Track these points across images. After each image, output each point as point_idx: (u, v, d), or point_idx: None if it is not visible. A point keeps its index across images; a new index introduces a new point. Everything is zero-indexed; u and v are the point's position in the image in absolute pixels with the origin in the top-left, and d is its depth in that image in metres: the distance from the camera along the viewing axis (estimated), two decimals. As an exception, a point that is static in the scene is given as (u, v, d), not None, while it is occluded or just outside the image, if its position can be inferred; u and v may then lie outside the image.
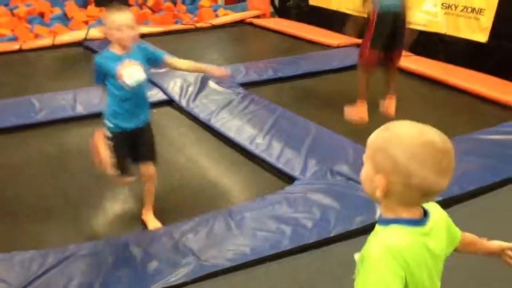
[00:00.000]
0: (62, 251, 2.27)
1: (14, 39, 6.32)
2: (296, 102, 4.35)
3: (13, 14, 7.18)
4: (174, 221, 2.56)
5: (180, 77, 4.49)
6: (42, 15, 7.28)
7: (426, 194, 0.98)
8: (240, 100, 4.10)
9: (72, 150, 3.51)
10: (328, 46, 5.98)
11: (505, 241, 1.28)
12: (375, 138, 1.03)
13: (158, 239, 2.38)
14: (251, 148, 3.35)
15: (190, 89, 4.28)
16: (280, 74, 4.91)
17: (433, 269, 1.04)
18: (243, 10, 7.85)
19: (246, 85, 4.57)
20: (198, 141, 3.63)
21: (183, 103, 4.13)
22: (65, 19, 7.20)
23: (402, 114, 4.04)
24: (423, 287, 1.02)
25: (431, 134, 0.99)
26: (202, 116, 3.88)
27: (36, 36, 6.50)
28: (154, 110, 4.14)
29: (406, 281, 0.98)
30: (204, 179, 3.13)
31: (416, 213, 1.02)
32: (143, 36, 6.28)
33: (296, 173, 3.01)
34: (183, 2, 8.39)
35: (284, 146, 3.30)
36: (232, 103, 4.05)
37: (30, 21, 7.00)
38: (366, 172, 1.04)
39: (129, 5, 6.41)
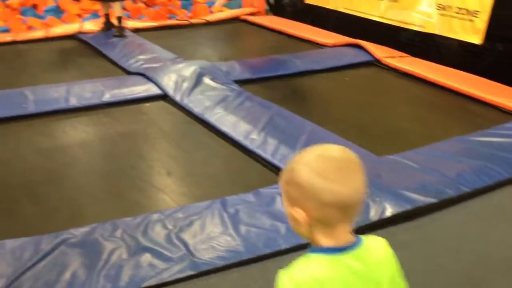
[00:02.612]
0: (55, 236, 2.25)
1: (7, 30, 6.25)
2: (290, 100, 4.34)
3: (6, 5, 7.09)
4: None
5: (175, 72, 4.47)
6: (35, 7, 7.20)
7: (343, 209, 0.95)
8: (235, 97, 4.08)
9: (65, 142, 3.49)
10: (323, 45, 5.97)
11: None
12: (283, 176, 1.01)
13: (153, 227, 2.37)
14: (246, 143, 3.34)
15: (185, 84, 4.26)
16: (274, 72, 4.89)
17: None
18: (238, 6, 7.81)
19: (240, 82, 4.55)
20: (192, 135, 3.62)
21: (177, 97, 4.10)
22: (58, 11, 7.13)
23: (396, 115, 4.07)
24: None
25: (331, 149, 0.99)
26: (197, 110, 3.86)
27: (29, 28, 6.44)
28: (148, 104, 4.15)
29: None
30: (198, 170, 3.12)
31: (342, 240, 0.99)
32: (137, 30, 6.29)
33: (291, 170, 3.01)
34: (178, -2, 8.34)
35: (279, 143, 3.30)
36: (226, 99, 4.03)
37: (23, 13, 6.91)
38: (287, 213, 1.02)
39: (124, -1, 6.36)
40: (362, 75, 5.06)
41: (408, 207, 2.56)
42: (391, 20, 5.91)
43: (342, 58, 5.35)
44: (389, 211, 2.52)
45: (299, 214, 0.97)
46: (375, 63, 5.29)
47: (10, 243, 2.20)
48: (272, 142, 3.32)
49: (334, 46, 5.87)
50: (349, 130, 3.62)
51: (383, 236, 2.30)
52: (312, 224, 0.98)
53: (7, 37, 5.87)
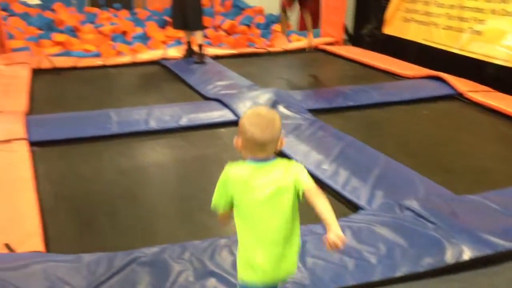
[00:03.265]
0: (128, 254, 2.34)
1: (98, 55, 6.71)
2: (365, 131, 4.26)
3: (99, 32, 7.64)
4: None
5: (250, 99, 4.55)
6: (124, 33, 7.70)
7: (256, 144, 1.58)
8: (308, 126, 4.08)
9: (142, 162, 3.66)
10: (401, 77, 5.84)
11: None
12: None
13: (220, 252, 2.40)
14: (317, 173, 3.31)
15: (259, 111, 4.31)
16: (350, 103, 4.84)
17: (265, 192, 1.58)
18: (316, 36, 7.87)
19: (315, 111, 4.54)
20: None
21: (252, 125, 4.16)
22: (145, 38, 7.56)
23: (479, 152, 3.85)
24: (251, 202, 1.60)
25: (261, 108, 1.65)
26: (270, 139, 3.89)
27: (118, 53, 6.87)
28: (223, 129, 4.24)
29: (236, 193, 1.61)
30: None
31: (258, 157, 1.61)
32: (216, 57, 6.51)
33: (361, 202, 2.94)
34: (258, 26, 8.56)
35: (350, 174, 3.23)
36: (300, 128, 4.03)
37: (113, 39, 7.41)
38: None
39: (205, 27, 6.63)
40: (442, 109, 4.88)
41: (488, 251, 2.40)
42: (473, 53, 5.68)
43: (421, 91, 5.20)
44: (466, 255, 2.37)
45: (236, 141, 1.63)
46: (457, 97, 5.09)
47: (86, 257, 2.31)
48: (343, 174, 3.26)
49: (413, 78, 5.72)
50: (425, 166, 3.48)
51: (460, 282, 2.17)
52: (242, 149, 1.63)
53: (98, 61, 6.30)
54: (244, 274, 1.65)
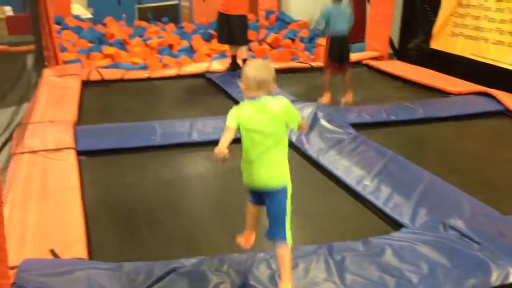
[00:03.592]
0: (167, 264, 2.36)
1: (145, 67, 6.91)
2: (408, 148, 4.17)
3: (146, 45, 7.87)
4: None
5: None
6: (171, 46, 7.90)
7: (257, 82, 2.07)
8: (350, 141, 4.03)
9: (184, 174, 3.72)
10: (448, 93, 5.68)
11: None
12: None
13: (258, 265, 2.40)
14: (358, 189, 3.27)
15: (301, 125, 4.31)
16: (393, 118, 4.75)
17: (261, 123, 2.08)
18: (361, 50, 7.79)
19: (357, 126, 4.48)
20: (304, 176, 3.62)
21: (293, 138, 4.15)
22: (190, 51, 7.73)
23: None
24: (246, 125, 2.09)
25: (258, 60, 2.34)
26: (310, 152, 3.88)
27: (164, 65, 7.05)
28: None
29: (241, 123, 2.09)
30: (308, 212, 3.10)
31: (256, 96, 2.10)
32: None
33: (404, 220, 2.87)
34: (302, 40, 8.58)
35: (393, 191, 3.17)
36: (342, 142, 4.00)
37: (160, 52, 7.61)
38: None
39: (249, 41, 6.70)
40: (490, 125, 4.72)
41: (537, 275, 2.29)
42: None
43: (469, 107, 5.05)
44: (514, 278, 2.27)
45: (242, 83, 2.13)
46: (507, 113, 4.91)
47: (127, 266, 2.36)
48: (385, 190, 3.20)
49: (460, 94, 5.56)
50: (472, 184, 3.36)
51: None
52: (244, 88, 2.12)
53: (145, 74, 6.48)
54: (243, 178, 2.22)
